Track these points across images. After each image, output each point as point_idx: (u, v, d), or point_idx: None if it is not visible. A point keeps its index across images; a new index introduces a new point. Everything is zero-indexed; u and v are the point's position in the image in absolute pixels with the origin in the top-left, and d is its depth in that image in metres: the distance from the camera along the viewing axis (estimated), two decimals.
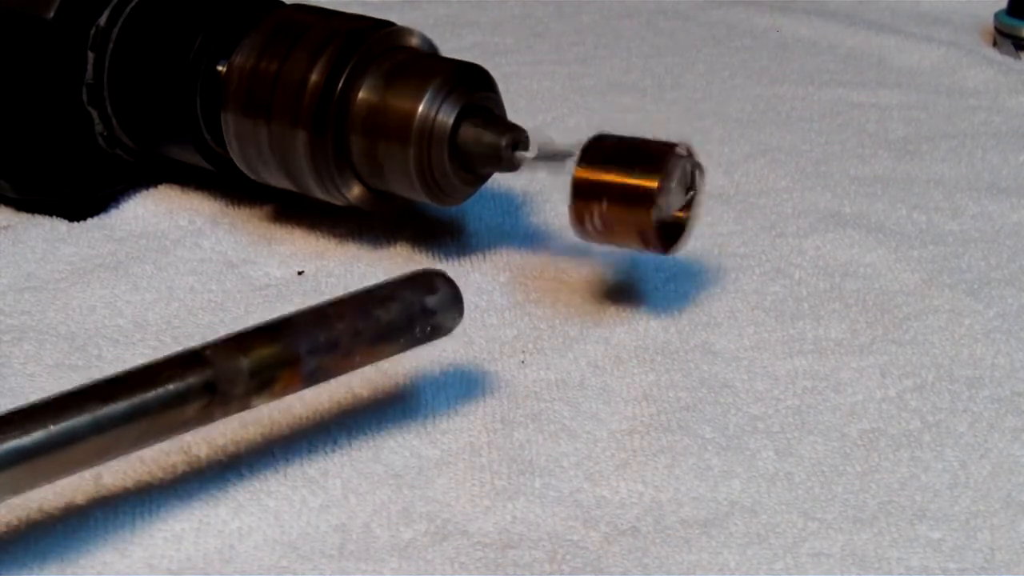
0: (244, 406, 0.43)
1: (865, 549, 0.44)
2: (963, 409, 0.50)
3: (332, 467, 0.47)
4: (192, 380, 0.41)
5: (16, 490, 0.40)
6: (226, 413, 0.43)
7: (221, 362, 0.42)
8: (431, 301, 0.45)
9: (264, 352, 0.43)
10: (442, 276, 0.46)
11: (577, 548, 0.44)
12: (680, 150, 0.51)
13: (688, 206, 0.52)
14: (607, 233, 0.52)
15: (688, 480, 0.47)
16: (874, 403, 0.50)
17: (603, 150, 0.52)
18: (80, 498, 0.45)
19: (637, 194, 0.51)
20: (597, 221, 0.51)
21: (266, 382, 0.43)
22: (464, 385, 0.51)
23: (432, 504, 0.45)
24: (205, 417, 0.42)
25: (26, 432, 0.39)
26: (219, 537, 0.44)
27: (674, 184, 0.51)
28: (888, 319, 0.55)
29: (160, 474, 0.46)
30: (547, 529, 0.45)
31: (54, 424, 0.40)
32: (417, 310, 0.45)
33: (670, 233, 0.52)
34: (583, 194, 0.51)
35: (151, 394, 0.41)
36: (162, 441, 0.42)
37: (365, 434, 0.48)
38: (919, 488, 0.46)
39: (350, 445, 0.47)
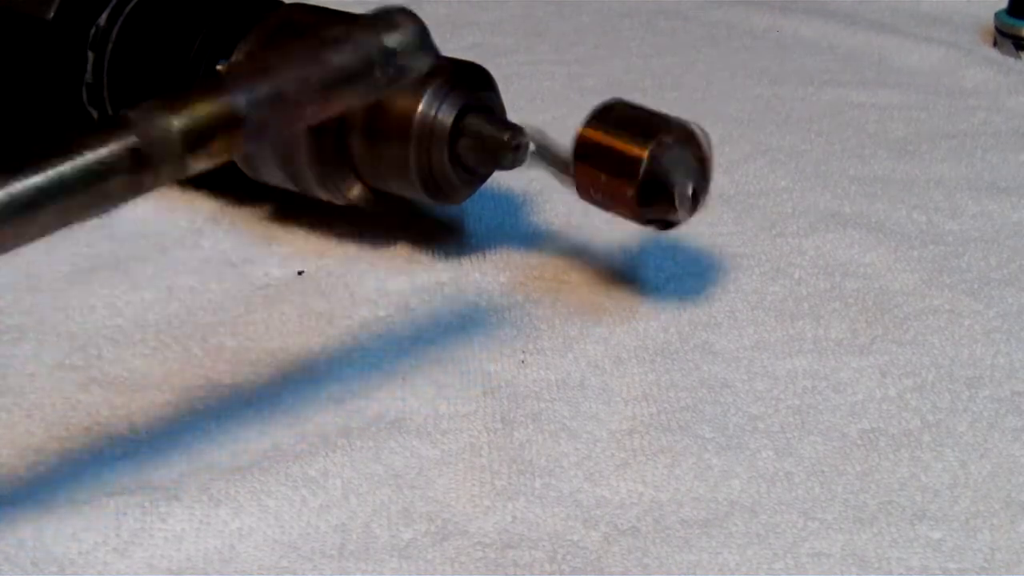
0: (180, 171, 0.38)
1: (865, 549, 0.44)
2: (963, 409, 0.50)
3: (332, 467, 0.47)
4: (114, 146, 0.37)
5: None
6: (158, 181, 0.38)
7: (146, 124, 0.37)
8: (391, 40, 0.41)
9: (197, 109, 0.38)
10: (405, 11, 0.41)
11: (577, 548, 0.44)
12: (691, 128, 0.51)
13: (700, 190, 0.52)
14: (600, 199, 0.52)
15: (688, 480, 0.47)
16: (874, 403, 0.50)
17: (613, 113, 0.52)
18: (80, 497, 0.45)
19: (625, 161, 0.51)
20: (592, 185, 0.51)
21: (202, 142, 0.38)
22: (464, 385, 0.51)
23: (432, 504, 0.45)
24: (134, 186, 0.37)
25: None
26: (219, 537, 0.44)
27: (670, 159, 0.51)
28: (888, 319, 0.55)
29: (160, 473, 0.46)
30: (547, 529, 0.45)
31: None
32: (375, 51, 0.41)
33: (663, 214, 0.52)
34: (582, 154, 0.51)
35: (67, 165, 0.36)
36: (90, 217, 0.38)
37: (365, 434, 0.48)
38: (919, 488, 0.46)
39: (350, 445, 0.47)
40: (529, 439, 0.48)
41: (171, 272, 0.58)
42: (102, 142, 0.37)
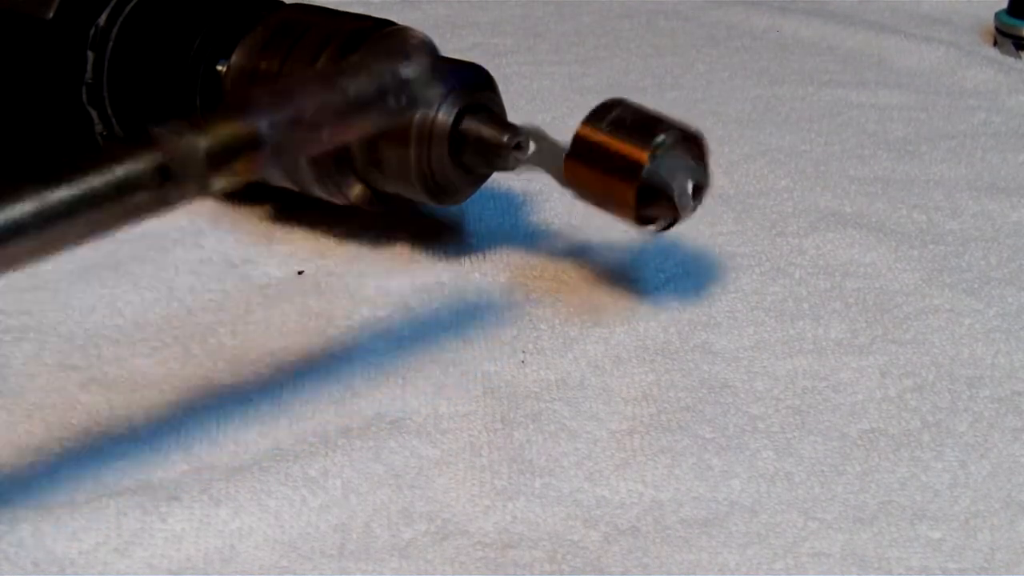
0: (203, 189, 0.39)
1: (865, 549, 0.44)
2: (963, 409, 0.50)
3: (332, 467, 0.47)
4: (143, 163, 0.38)
5: None
6: (182, 196, 0.39)
7: (173, 142, 0.39)
8: (405, 70, 0.42)
9: (220, 130, 0.39)
10: (418, 40, 0.43)
11: (577, 548, 0.44)
12: (689, 129, 0.51)
13: (698, 193, 0.52)
14: (594, 198, 0.52)
15: (688, 480, 0.47)
16: (874, 403, 0.50)
17: (611, 112, 0.52)
18: (80, 497, 0.45)
19: (624, 163, 0.51)
20: (587, 184, 0.51)
21: (224, 161, 0.39)
22: (464, 385, 0.51)
23: (432, 504, 0.46)
24: (160, 201, 0.39)
25: None
26: (219, 537, 0.44)
27: (668, 163, 0.51)
28: (888, 319, 0.55)
29: (160, 473, 0.46)
30: (547, 529, 0.45)
31: None
32: (389, 80, 0.42)
33: (661, 214, 0.52)
34: (578, 152, 0.51)
35: (97, 179, 0.38)
36: (116, 230, 0.39)
37: (365, 434, 0.48)
38: (919, 488, 0.46)
39: (350, 445, 0.47)
40: (529, 439, 0.48)
41: (171, 272, 0.58)
42: (131, 157, 0.38)
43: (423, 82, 0.43)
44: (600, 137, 0.51)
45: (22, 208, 0.37)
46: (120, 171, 0.38)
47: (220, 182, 0.39)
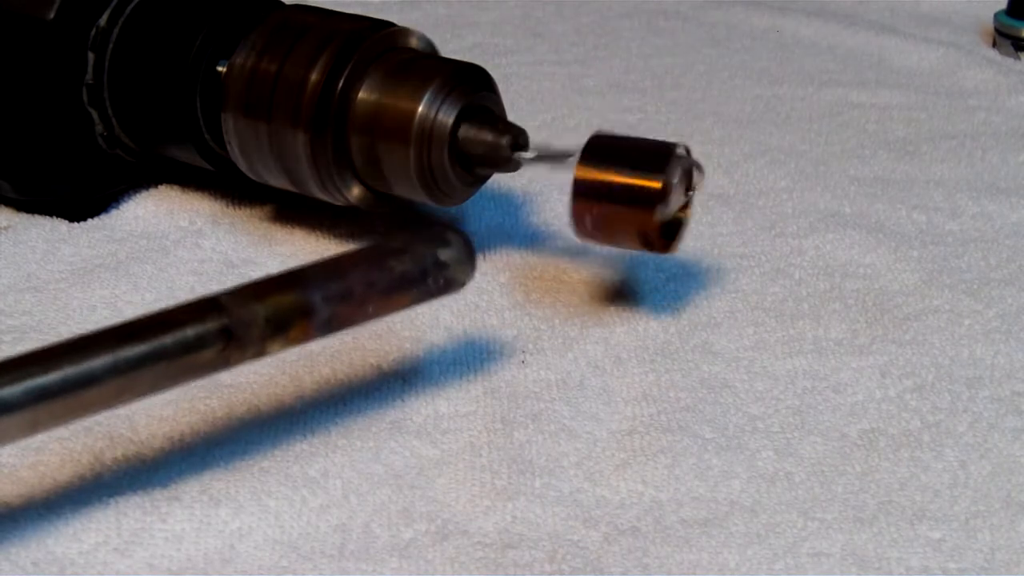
0: (260, 352, 0.43)
1: (865, 549, 0.44)
2: (963, 409, 0.50)
3: (332, 467, 0.47)
4: (210, 325, 0.42)
5: (34, 429, 0.40)
6: (242, 358, 0.43)
7: (237, 308, 0.42)
8: (444, 254, 0.46)
9: (279, 300, 0.43)
10: (455, 231, 0.47)
11: (577, 548, 0.44)
12: (680, 150, 0.51)
13: (686, 205, 0.52)
14: (608, 234, 0.52)
15: (688, 480, 0.47)
16: (874, 403, 0.50)
17: (604, 149, 0.52)
18: (81, 497, 0.45)
19: (641, 195, 0.51)
20: (599, 222, 0.51)
21: (281, 328, 0.43)
22: (464, 385, 0.51)
23: (432, 504, 0.46)
24: (222, 361, 0.42)
25: (46, 371, 0.40)
26: (219, 537, 0.44)
27: (675, 184, 0.51)
28: (888, 319, 0.55)
29: (160, 474, 0.46)
30: (547, 529, 0.45)
31: (73, 364, 0.40)
32: (430, 262, 0.46)
33: (667, 232, 0.52)
34: (584, 194, 0.51)
35: (169, 337, 0.41)
36: (180, 385, 0.43)
37: (365, 434, 0.48)
38: (919, 488, 0.46)
39: (350, 445, 0.47)
40: (529, 439, 0.48)
41: (171, 272, 0.58)
42: (199, 319, 0.42)
43: (459, 264, 0.46)
44: (603, 175, 0.51)
45: (99, 361, 0.40)
46: (190, 332, 0.42)
47: (275, 347, 0.43)
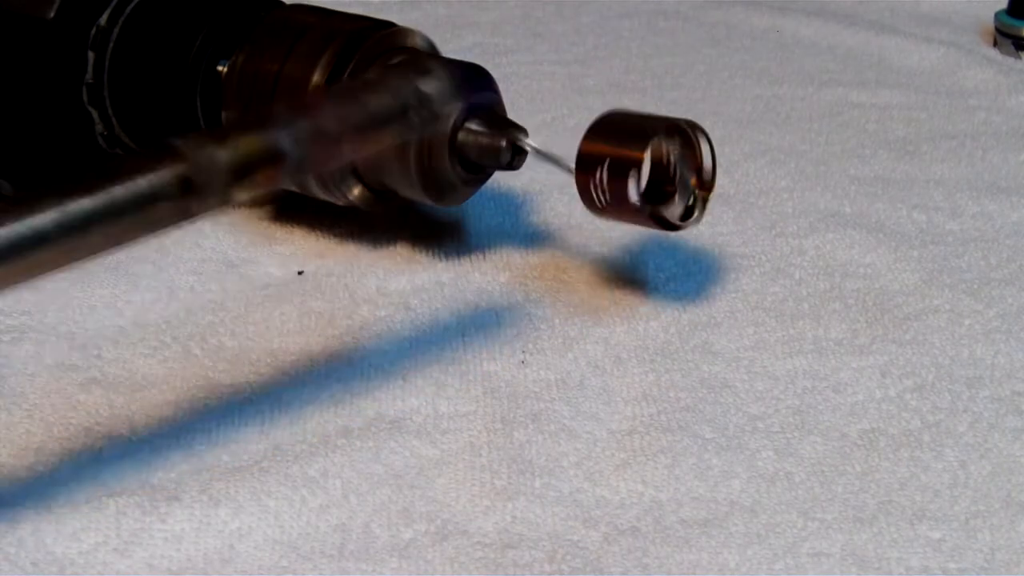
0: (224, 201, 0.40)
1: (865, 549, 0.44)
2: (963, 409, 0.50)
3: (332, 467, 0.47)
4: (164, 173, 0.38)
5: None
6: (204, 208, 0.39)
7: (196, 154, 0.39)
8: (427, 85, 0.43)
9: (243, 142, 0.40)
10: (439, 60, 0.43)
11: (577, 548, 0.44)
12: (681, 124, 0.51)
13: (705, 185, 0.52)
14: (611, 209, 0.52)
15: (688, 480, 0.47)
16: (874, 403, 0.50)
17: (609, 125, 0.52)
18: (80, 497, 0.45)
19: (624, 164, 0.51)
20: (600, 195, 0.51)
21: (246, 174, 0.40)
22: (464, 385, 0.51)
23: (432, 504, 0.46)
24: (182, 214, 0.39)
25: None
26: (219, 537, 0.44)
27: (670, 157, 0.51)
28: (888, 319, 0.55)
29: (160, 474, 0.46)
30: (547, 529, 0.45)
31: (16, 222, 0.37)
32: (411, 96, 0.43)
33: (685, 212, 0.52)
34: (584, 166, 0.51)
35: (120, 189, 0.38)
36: (137, 240, 0.39)
37: (365, 434, 0.48)
38: (919, 488, 0.46)
39: (350, 445, 0.47)
40: (529, 439, 0.48)
41: (171, 272, 0.58)
42: (153, 168, 0.38)
43: (443, 96, 0.43)
44: (599, 147, 0.51)
45: (44, 218, 0.37)
46: (143, 182, 0.38)
47: (241, 194, 0.40)
